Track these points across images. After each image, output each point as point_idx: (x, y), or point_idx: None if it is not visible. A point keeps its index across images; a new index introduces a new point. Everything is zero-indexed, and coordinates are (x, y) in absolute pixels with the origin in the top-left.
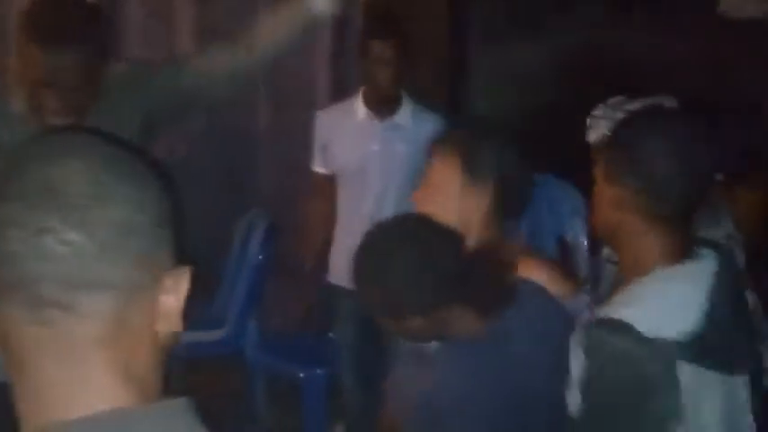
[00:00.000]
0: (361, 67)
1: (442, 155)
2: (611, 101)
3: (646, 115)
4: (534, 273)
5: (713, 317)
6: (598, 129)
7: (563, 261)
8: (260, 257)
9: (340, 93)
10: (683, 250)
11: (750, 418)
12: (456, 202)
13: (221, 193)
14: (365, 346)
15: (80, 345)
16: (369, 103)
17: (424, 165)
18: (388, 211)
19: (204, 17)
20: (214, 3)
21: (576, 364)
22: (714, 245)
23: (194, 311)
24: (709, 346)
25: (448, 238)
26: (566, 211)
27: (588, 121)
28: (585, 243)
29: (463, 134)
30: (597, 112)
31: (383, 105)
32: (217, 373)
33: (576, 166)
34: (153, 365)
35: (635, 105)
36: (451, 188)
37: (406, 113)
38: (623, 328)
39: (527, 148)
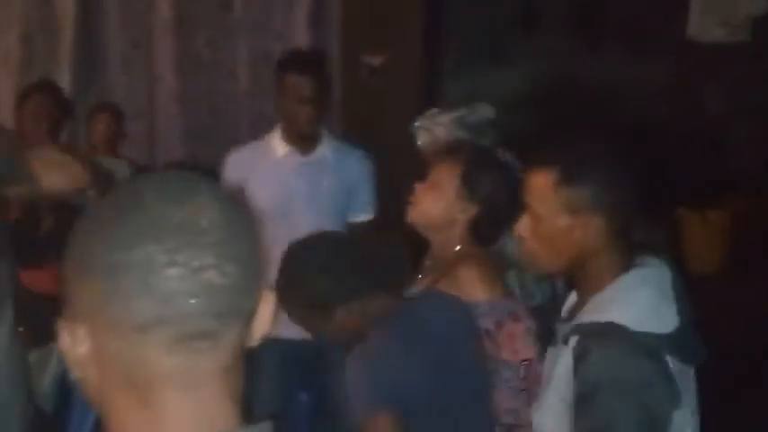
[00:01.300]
0: (278, 104)
1: (448, 159)
2: (429, 113)
3: (589, 154)
4: (467, 273)
5: (682, 314)
6: (423, 136)
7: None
8: None
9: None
10: (632, 259)
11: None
12: (449, 201)
13: None
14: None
15: (208, 375)
16: (288, 139)
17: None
18: None
19: (184, 47)
20: (193, 33)
21: (561, 370)
22: (654, 252)
23: None
24: (683, 341)
25: (365, 234)
26: None
27: (414, 129)
28: None
29: (471, 149)
30: (419, 122)
31: (304, 141)
32: None
33: None
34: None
35: (450, 116)
36: (448, 189)
37: (327, 149)
38: (616, 328)
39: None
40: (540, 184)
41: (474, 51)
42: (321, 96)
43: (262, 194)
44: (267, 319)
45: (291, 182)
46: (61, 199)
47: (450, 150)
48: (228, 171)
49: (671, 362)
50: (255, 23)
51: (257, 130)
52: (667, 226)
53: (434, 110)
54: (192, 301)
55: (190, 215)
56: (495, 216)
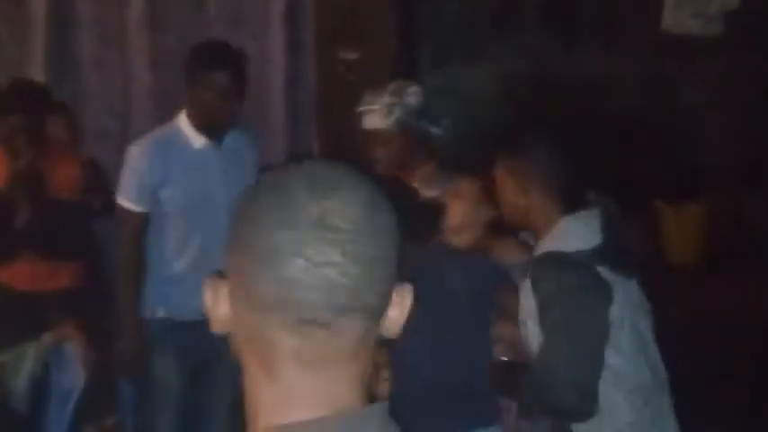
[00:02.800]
0: (196, 98)
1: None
2: (364, 99)
3: (536, 134)
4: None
5: (608, 236)
6: (372, 118)
7: None
8: None
9: None
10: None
11: (649, 320)
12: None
13: None
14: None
15: (329, 358)
16: (203, 131)
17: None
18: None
19: (157, 45)
20: (166, 31)
21: (528, 300)
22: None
23: None
24: (609, 254)
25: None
26: None
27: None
28: None
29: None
30: (361, 108)
31: (218, 132)
32: None
33: None
34: (371, 370)
35: (380, 102)
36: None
37: (231, 137)
38: (555, 254)
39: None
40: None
41: (449, 46)
42: (239, 91)
43: (182, 186)
44: (401, 316)
45: (210, 173)
46: (39, 189)
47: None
48: (138, 164)
49: (602, 271)
50: (229, 20)
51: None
52: (644, 218)
53: (367, 97)
54: (311, 293)
55: (328, 210)
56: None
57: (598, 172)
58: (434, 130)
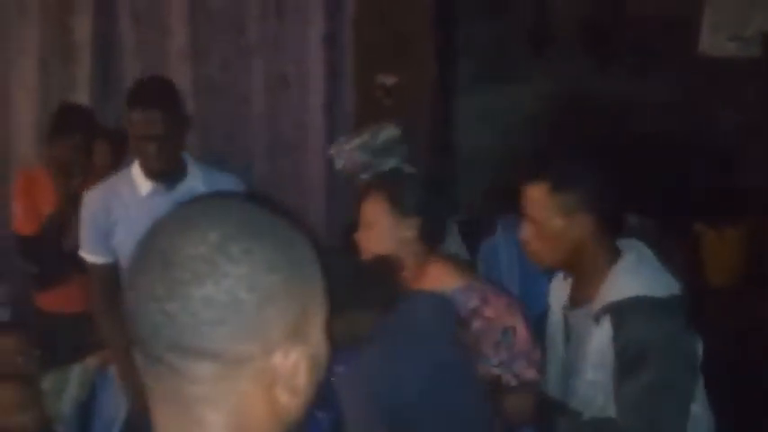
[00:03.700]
0: (130, 140)
1: (369, 196)
2: (338, 140)
3: (573, 164)
4: (433, 270)
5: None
6: (337, 163)
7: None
8: None
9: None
10: (617, 247)
11: None
12: (389, 232)
13: None
14: None
15: (187, 401)
16: (149, 175)
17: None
18: None
19: (198, 72)
20: (208, 57)
21: (598, 347)
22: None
23: None
24: (687, 300)
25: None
26: None
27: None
28: None
29: (388, 176)
30: (332, 150)
31: (165, 176)
32: None
33: None
34: (268, 428)
35: (354, 142)
36: (383, 222)
37: (196, 179)
38: (642, 298)
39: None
40: (536, 195)
41: (486, 70)
42: (170, 132)
43: (127, 236)
44: (294, 378)
45: None
46: None
47: (372, 183)
48: (90, 213)
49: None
50: (269, 46)
51: (272, 155)
52: (685, 241)
53: (342, 138)
54: (145, 330)
55: (176, 246)
56: (434, 218)
57: (638, 196)
58: (391, 162)
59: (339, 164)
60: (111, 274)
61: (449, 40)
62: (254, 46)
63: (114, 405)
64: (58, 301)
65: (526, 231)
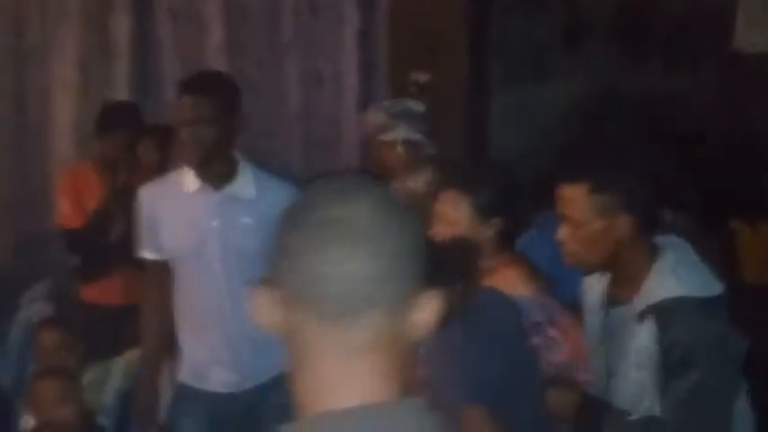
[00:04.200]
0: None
1: (451, 193)
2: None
3: (612, 163)
4: (507, 272)
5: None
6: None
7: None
8: None
9: None
10: (656, 245)
11: None
12: (467, 234)
13: None
14: None
15: (355, 349)
16: (199, 173)
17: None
18: (234, 295)
19: (234, 69)
20: (243, 55)
21: (640, 345)
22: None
23: None
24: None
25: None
26: None
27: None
28: None
29: (470, 175)
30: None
31: (215, 176)
32: None
33: None
34: (407, 367)
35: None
36: (462, 224)
37: (245, 182)
38: (687, 299)
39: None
40: (575, 195)
41: (520, 66)
42: (208, 118)
43: (171, 235)
44: (428, 320)
45: (202, 220)
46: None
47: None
48: (142, 209)
49: None
50: (304, 43)
51: (307, 152)
52: (721, 238)
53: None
54: (329, 287)
55: (344, 213)
56: (513, 219)
57: (674, 192)
58: (411, 131)
59: (368, 130)
60: (162, 271)
61: (482, 37)
62: (289, 43)
63: None
64: (101, 293)
65: (563, 232)
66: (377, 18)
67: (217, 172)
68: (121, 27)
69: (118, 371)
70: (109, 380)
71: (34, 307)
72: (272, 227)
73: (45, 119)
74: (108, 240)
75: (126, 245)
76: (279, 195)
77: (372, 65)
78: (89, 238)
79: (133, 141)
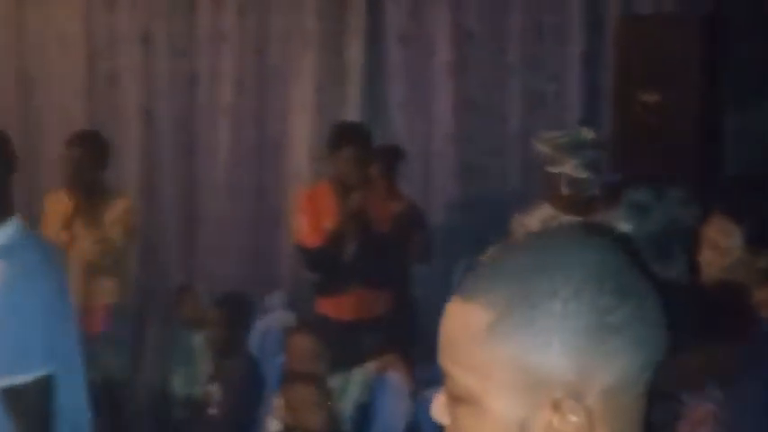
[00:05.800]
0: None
1: (721, 219)
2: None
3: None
4: None
5: None
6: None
7: None
8: None
9: None
10: None
11: None
12: (741, 265)
13: None
14: None
15: None
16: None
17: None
18: None
19: (460, 89)
20: (470, 75)
21: None
22: None
23: None
24: None
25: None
26: None
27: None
28: None
29: (746, 206)
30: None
31: None
32: None
33: None
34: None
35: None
36: (735, 252)
37: None
38: None
39: None
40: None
41: (752, 84)
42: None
43: None
44: None
45: None
46: (366, 225)
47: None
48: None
49: None
50: (529, 64)
51: (527, 172)
52: None
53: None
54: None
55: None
56: None
57: None
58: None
59: (539, 158)
60: None
61: (713, 56)
62: (513, 64)
63: (394, 408)
64: (336, 308)
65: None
66: (603, 39)
67: None
68: (354, 51)
69: (356, 382)
70: (348, 390)
71: (273, 315)
72: None
73: (283, 137)
74: (342, 259)
75: (360, 264)
76: None
77: (598, 85)
78: (326, 257)
79: (362, 159)
